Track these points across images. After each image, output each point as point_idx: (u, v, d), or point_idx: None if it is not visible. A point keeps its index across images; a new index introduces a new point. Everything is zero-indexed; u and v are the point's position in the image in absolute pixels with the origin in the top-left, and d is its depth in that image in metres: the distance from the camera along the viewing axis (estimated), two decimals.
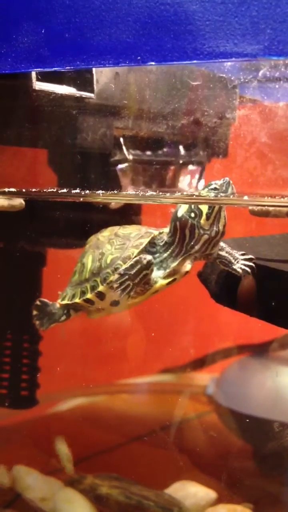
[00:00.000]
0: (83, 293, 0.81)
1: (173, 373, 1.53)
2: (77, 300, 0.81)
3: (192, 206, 0.76)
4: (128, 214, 0.97)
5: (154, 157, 0.95)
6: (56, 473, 1.13)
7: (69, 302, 0.83)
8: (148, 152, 0.95)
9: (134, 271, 0.75)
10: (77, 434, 1.23)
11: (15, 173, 0.91)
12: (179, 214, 0.77)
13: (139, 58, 0.59)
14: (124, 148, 0.91)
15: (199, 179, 1.00)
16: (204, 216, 0.75)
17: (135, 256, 0.76)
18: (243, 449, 1.22)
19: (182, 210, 0.77)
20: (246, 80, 0.96)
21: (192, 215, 0.76)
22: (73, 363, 1.27)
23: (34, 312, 0.88)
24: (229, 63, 0.94)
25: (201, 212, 0.75)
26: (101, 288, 0.79)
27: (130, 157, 0.92)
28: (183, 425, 1.29)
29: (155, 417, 1.34)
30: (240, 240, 0.91)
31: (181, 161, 0.99)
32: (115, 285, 0.76)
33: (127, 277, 0.75)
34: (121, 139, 0.91)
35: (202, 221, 0.75)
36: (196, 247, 0.77)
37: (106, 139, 0.87)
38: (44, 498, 1.05)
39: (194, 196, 0.77)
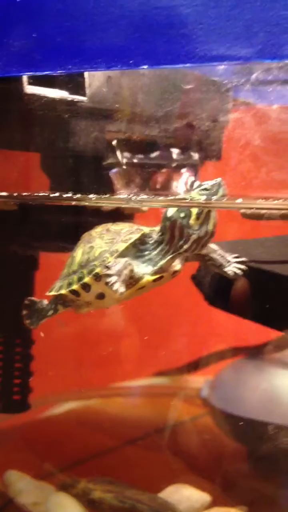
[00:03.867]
0: (69, 284, 0.81)
1: (167, 376, 1.53)
2: (63, 291, 0.81)
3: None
4: (120, 218, 0.97)
5: (147, 161, 0.95)
6: (49, 477, 1.12)
7: (56, 293, 0.83)
8: (141, 156, 0.94)
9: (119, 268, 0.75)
10: (71, 437, 1.23)
11: (7, 176, 0.91)
12: (169, 214, 0.77)
13: (131, 61, 0.59)
14: (117, 151, 0.90)
15: (192, 182, 1.00)
16: (194, 216, 0.76)
17: (122, 250, 0.77)
18: (238, 451, 1.21)
19: (172, 210, 0.77)
20: (239, 83, 0.96)
21: (182, 215, 0.76)
22: (66, 367, 1.26)
23: (24, 312, 0.89)
24: (222, 66, 0.95)
25: (190, 212, 0.76)
26: (87, 279, 0.79)
27: (124, 160, 0.92)
28: (177, 428, 1.29)
29: (149, 420, 1.33)
30: (234, 243, 0.91)
31: (174, 164, 0.98)
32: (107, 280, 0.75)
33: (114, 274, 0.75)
34: (114, 143, 0.90)
35: (192, 221, 0.76)
36: (185, 246, 0.77)
37: (98, 142, 0.87)
38: (36, 502, 1.04)
39: (189, 200, 0.77)
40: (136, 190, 0.95)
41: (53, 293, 0.84)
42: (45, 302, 0.88)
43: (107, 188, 0.91)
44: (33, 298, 0.89)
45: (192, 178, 1.00)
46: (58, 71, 0.62)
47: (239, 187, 0.92)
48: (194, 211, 0.75)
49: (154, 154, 0.96)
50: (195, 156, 1.01)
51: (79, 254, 0.82)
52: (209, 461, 1.17)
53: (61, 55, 0.62)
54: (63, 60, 0.62)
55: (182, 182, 1.01)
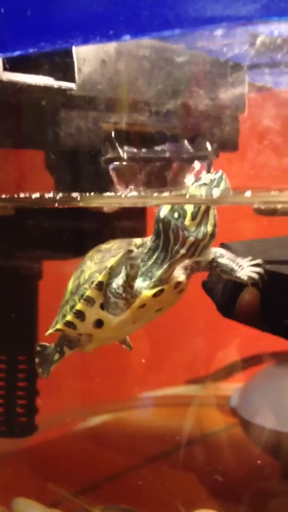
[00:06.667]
0: (63, 316, 0.73)
1: (195, 384, 1.45)
2: (59, 326, 0.74)
3: (175, 205, 0.68)
4: (127, 220, 0.87)
5: (151, 154, 0.85)
6: (61, 504, 1.04)
7: (53, 331, 0.76)
8: (144, 149, 0.84)
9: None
10: (89, 457, 1.15)
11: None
12: (161, 215, 0.69)
13: (111, 32, 0.49)
14: (116, 144, 0.81)
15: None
16: (189, 216, 0.67)
17: (112, 266, 0.70)
18: (270, 467, 1.14)
19: (164, 210, 0.69)
20: (256, 65, 0.89)
21: (176, 215, 0.68)
22: (82, 379, 1.21)
23: (36, 360, 0.81)
24: (238, 49, 0.86)
25: (185, 211, 0.67)
26: (79, 305, 0.71)
27: (124, 154, 0.82)
28: (204, 441, 1.22)
29: (173, 434, 1.25)
30: (250, 242, 0.81)
31: (183, 158, 0.89)
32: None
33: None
34: (113, 134, 0.81)
35: (187, 221, 0.67)
36: (182, 251, 0.68)
37: (93, 135, 0.77)
38: None
39: (187, 196, 0.68)
40: (141, 188, 0.86)
41: (50, 331, 0.76)
42: (53, 345, 0.80)
43: (106, 186, 0.81)
44: (44, 343, 0.81)
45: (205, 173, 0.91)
46: (30, 50, 0.53)
47: (257, 180, 0.83)
48: (189, 210, 0.67)
49: (160, 147, 0.86)
50: (208, 147, 0.91)
51: (70, 282, 0.75)
52: (238, 480, 1.09)
53: (31, 31, 0.53)
54: (34, 36, 0.53)
55: (193, 178, 0.91)
